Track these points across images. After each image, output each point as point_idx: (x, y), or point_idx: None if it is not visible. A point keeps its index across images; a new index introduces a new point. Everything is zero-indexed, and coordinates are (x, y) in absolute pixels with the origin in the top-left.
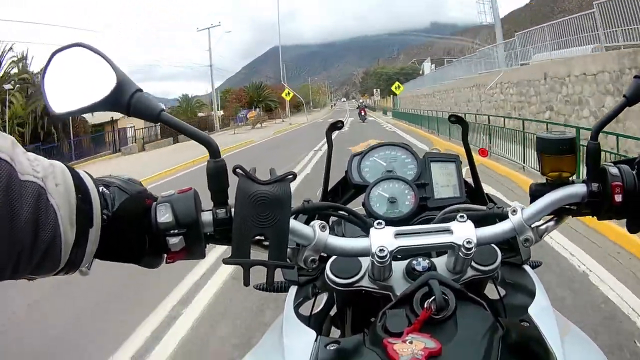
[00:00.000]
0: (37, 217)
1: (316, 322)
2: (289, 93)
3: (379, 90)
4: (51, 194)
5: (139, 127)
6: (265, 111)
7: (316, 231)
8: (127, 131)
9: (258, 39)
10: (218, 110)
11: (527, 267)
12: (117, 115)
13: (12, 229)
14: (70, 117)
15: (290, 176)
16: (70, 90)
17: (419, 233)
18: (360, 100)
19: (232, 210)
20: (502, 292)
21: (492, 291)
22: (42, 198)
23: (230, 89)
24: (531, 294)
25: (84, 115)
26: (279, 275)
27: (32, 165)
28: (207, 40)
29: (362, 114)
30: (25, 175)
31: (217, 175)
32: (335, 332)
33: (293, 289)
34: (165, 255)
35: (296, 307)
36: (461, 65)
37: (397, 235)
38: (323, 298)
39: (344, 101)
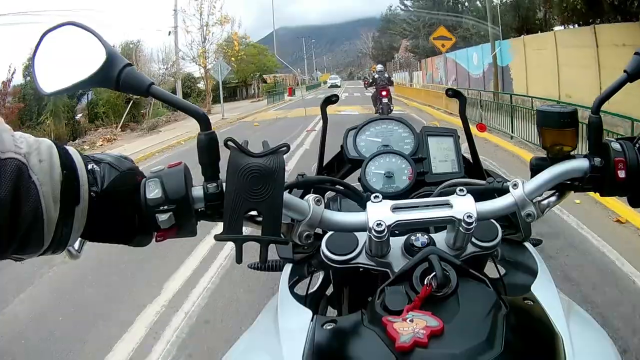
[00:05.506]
0: (17, 194)
1: (312, 301)
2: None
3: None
4: (33, 170)
5: None
6: None
7: (311, 205)
8: None
9: (260, 22)
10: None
11: (528, 245)
12: None
13: None
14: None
15: (284, 148)
16: (60, 69)
17: (417, 207)
18: (378, 68)
19: (224, 184)
20: (502, 271)
21: (492, 271)
22: (23, 174)
23: None
24: (533, 273)
25: None
26: (273, 254)
27: (16, 143)
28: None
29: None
30: (6, 153)
31: (208, 147)
32: (332, 313)
33: (288, 267)
34: (155, 233)
35: (291, 287)
36: None
37: (395, 209)
38: (319, 277)
39: (333, 84)
